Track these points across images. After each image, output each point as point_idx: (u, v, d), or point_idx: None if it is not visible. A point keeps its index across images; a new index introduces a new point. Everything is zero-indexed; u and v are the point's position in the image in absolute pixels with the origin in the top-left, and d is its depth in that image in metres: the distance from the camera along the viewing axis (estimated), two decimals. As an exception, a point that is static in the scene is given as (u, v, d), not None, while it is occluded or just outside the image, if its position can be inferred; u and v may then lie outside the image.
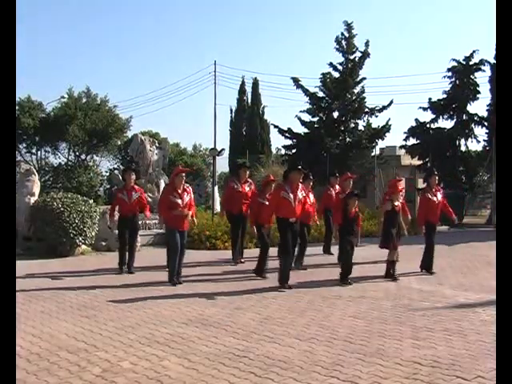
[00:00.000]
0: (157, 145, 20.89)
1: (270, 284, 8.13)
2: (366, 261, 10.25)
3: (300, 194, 7.89)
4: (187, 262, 10.43)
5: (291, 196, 7.75)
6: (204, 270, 9.56)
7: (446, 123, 25.29)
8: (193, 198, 8.64)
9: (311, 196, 9.69)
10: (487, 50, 58.06)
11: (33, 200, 11.98)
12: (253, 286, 8.00)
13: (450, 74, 24.69)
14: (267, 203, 8.75)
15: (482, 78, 25.93)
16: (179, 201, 8.19)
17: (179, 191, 8.24)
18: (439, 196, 9.51)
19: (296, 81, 25.80)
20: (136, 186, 9.78)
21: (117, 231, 10.07)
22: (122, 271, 9.28)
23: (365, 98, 25.69)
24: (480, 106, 77.09)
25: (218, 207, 19.90)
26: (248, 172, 10.71)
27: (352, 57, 25.51)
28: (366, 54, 25.37)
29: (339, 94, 25.24)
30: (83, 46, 71.76)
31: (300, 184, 8.07)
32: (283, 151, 28.33)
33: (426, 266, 9.34)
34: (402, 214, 9.17)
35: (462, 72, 24.38)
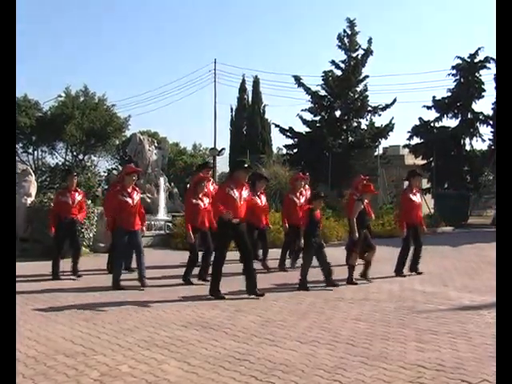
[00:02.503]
0: (156, 144, 20.95)
1: (271, 286, 8.14)
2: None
3: (245, 193, 7.43)
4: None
5: (236, 194, 7.29)
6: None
7: (450, 122, 25.34)
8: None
9: (263, 198, 9.63)
10: (492, 48, 58.04)
11: (29, 201, 11.99)
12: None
13: (454, 71, 24.71)
14: (201, 203, 8.37)
15: (488, 76, 25.99)
16: (129, 200, 8.09)
17: (129, 190, 8.17)
18: (418, 197, 9.54)
19: (297, 79, 25.84)
20: (78, 189, 9.60)
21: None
22: (59, 278, 8.87)
23: (367, 96, 25.75)
24: (485, 105, 76.81)
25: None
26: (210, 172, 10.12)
27: (354, 54, 25.54)
28: (368, 52, 25.40)
29: (341, 92, 25.27)
30: (81, 44, 71.87)
31: (246, 184, 7.64)
32: (284, 151, 28.41)
33: (397, 268, 9.25)
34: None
35: (467, 70, 24.40)
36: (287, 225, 9.82)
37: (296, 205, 9.78)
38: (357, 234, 8.40)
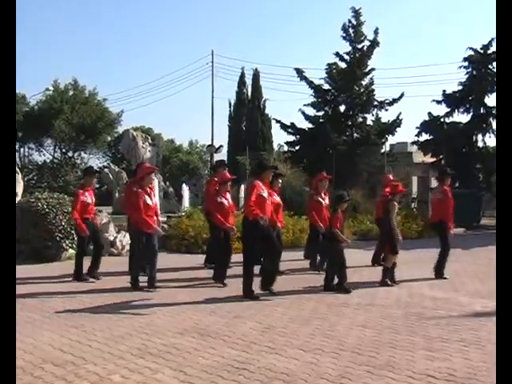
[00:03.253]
0: (150, 141, 20.93)
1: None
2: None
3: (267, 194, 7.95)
4: (182, 267, 10.46)
5: (266, 194, 7.75)
6: (201, 275, 9.56)
7: (461, 117, 25.29)
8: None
9: (277, 197, 9.75)
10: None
11: (16, 200, 11.98)
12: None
13: (466, 63, 24.66)
14: (225, 202, 8.75)
15: (501, 69, 25.94)
16: (150, 201, 8.35)
17: (148, 191, 8.41)
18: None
19: (299, 72, 25.81)
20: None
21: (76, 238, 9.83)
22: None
23: (374, 90, 25.70)
24: (498, 99, 76.83)
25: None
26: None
27: (360, 46, 25.50)
28: (375, 43, 25.37)
29: (346, 86, 25.24)
30: (70, 33, 71.81)
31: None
32: (286, 148, 28.38)
33: (440, 271, 9.38)
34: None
35: (480, 61, 24.35)
36: (320, 225, 9.93)
37: (322, 206, 10.05)
38: (400, 237, 8.73)
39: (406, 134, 78.88)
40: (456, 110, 24.94)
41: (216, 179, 9.58)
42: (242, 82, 34.60)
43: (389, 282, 8.64)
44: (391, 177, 11.41)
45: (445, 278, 9.25)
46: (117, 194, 17.86)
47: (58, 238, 11.21)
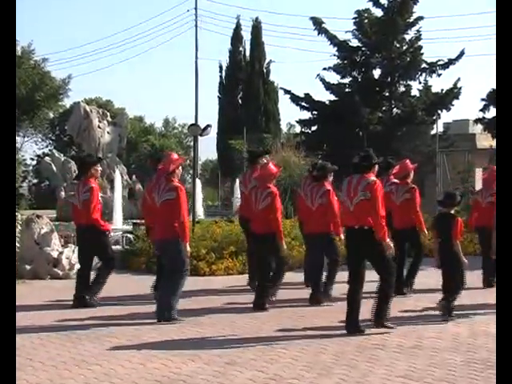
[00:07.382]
0: (109, 119, 20.97)
1: (277, 326, 8.14)
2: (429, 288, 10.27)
3: None
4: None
5: None
6: (180, 306, 9.56)
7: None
8: None
9: None
10: None
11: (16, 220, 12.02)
12: (253, 330, 8.03)
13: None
14: None
15: None
16: None
17: None
18: None
19: (317, 23, 25.86)
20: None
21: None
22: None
23: (421, 47, 25.77)
24: None
25: (200, 211, 19.89)
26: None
27: (402, -15, 25.54)
28: (423, -18, 25.39)
29: (383, 42, 25.29)
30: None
31: None
32: (298, 128, 28.44)
33: None
34: None
35: None
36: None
37: None
38: None
39: (466, 109, 78.80)
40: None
41: None
42: (237, 38, 34.67)
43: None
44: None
45: None
46: (62, 193, 17.86)
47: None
